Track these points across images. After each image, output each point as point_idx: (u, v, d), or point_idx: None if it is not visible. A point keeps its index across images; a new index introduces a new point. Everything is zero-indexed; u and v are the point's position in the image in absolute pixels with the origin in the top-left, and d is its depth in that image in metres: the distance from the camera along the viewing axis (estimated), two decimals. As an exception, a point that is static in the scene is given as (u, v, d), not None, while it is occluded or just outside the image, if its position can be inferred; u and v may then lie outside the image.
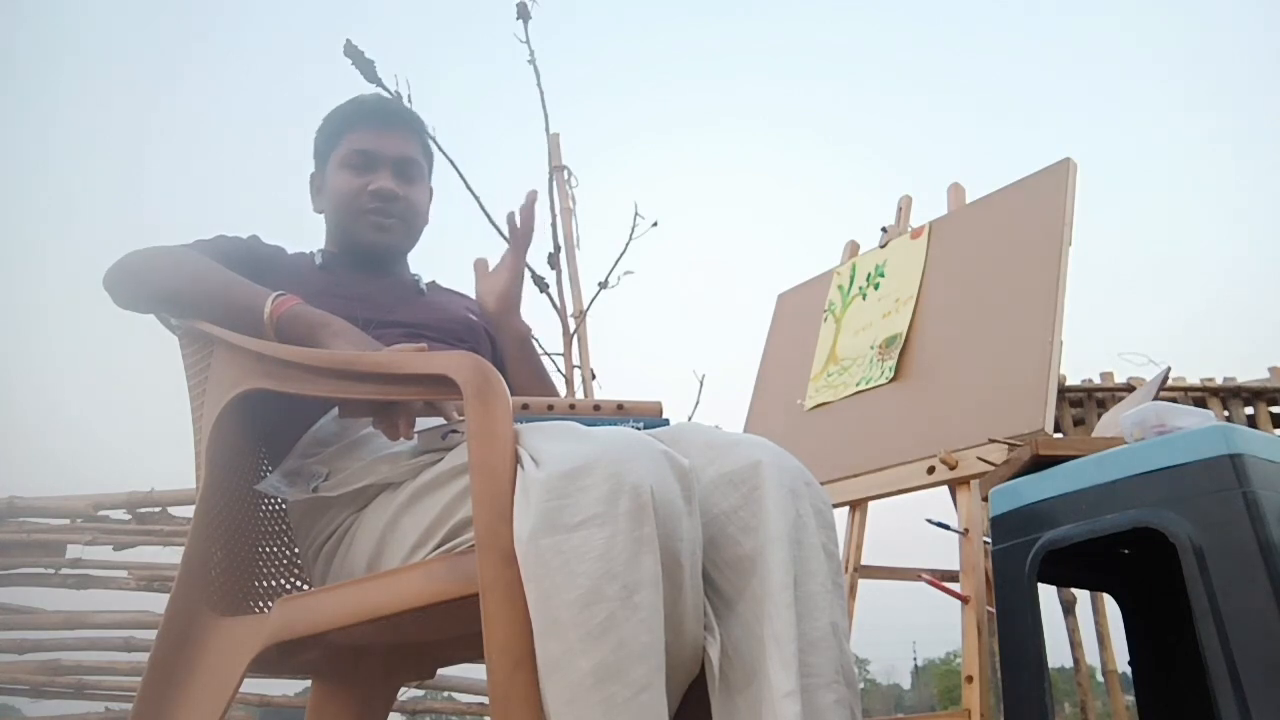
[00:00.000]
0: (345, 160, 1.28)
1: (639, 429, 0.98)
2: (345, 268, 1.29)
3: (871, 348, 2.14)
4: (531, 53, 2.32)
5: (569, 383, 2.26)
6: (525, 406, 1.01)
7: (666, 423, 1.04)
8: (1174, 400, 2.82)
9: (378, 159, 1.28)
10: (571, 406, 1.05)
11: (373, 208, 1.27)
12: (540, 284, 2.31)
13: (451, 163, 2.12)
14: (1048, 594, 2.66)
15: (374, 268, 1.30)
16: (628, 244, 2.31)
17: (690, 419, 1.29)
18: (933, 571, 1.93)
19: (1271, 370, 3.13)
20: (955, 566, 1.78)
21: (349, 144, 1.29)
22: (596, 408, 1.04)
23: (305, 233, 1.37)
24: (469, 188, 2.18)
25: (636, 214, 2.32)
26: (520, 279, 1.29)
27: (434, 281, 1.40)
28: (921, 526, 1.78)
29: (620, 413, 1.04)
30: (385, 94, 1.99)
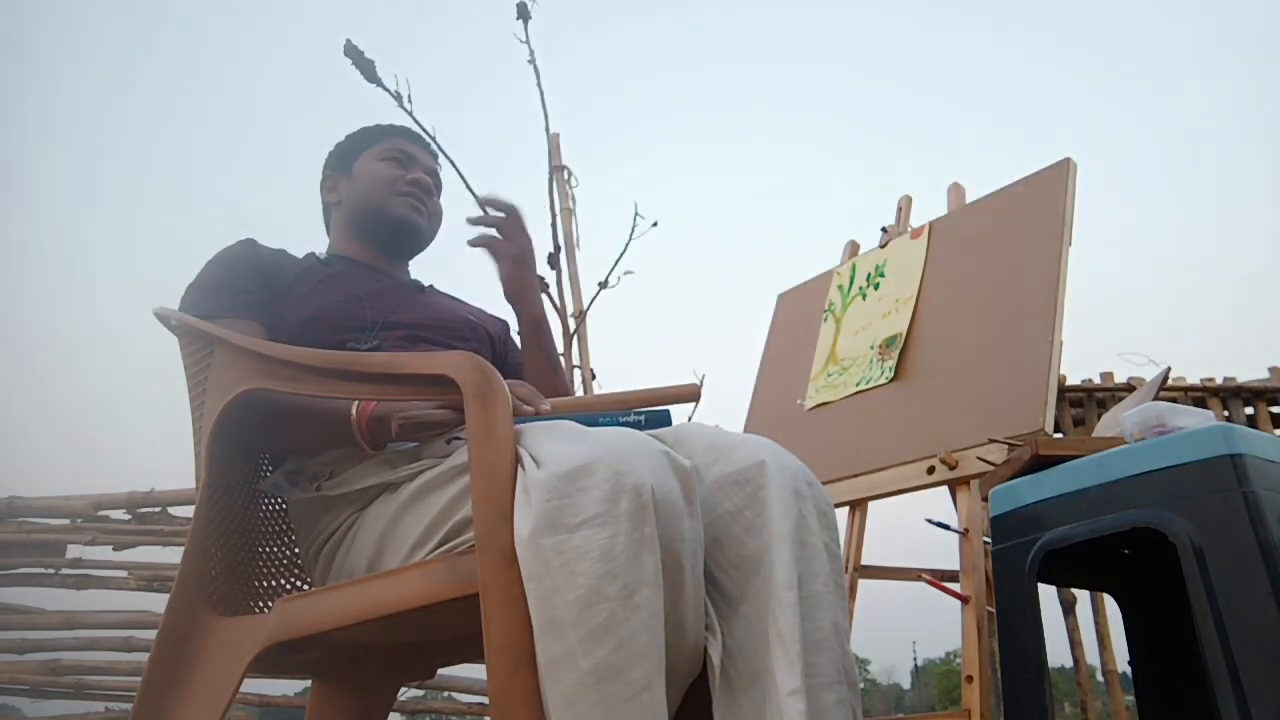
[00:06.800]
0: (386, 154, 1.36)
1: (640, 427, 0.98)
2: (350, 266, 1.30)
3: (871, 348, 2.14)
4: (531, 53, 2.31)
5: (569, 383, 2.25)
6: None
7: (670, 421, 1.04)
8: (1174, 400, 2.82)
9: (416, 162, 1.37)
10: (598, 402, 1.05)
11: (410, 190, 1.34)
12: (540, 284, 2.31)
13: (451, 162, 2.11)
14: (1048, 594, 2.66)
15: (390, 255, 1.34)
16: (628, 244, 2.31)
17: (690, 419, 1.29)
18: (933, 571, 1.93)
19: (1271, 370, 3.14)
20: (955, 566, 1.78)
21: (389, 144, 1.37)
22: (625, 402, 1.04)
23: (309, 233, 1.38)
24: (469, 188, 2.17)
25: (636, 214, 2.32)
26: (528, 240, 1.32)
27: (432, 286, 1.41)
28: (921, 526, 1.78)
29: (654, 399, 1.04)
30: (385, 92, 1.99)
